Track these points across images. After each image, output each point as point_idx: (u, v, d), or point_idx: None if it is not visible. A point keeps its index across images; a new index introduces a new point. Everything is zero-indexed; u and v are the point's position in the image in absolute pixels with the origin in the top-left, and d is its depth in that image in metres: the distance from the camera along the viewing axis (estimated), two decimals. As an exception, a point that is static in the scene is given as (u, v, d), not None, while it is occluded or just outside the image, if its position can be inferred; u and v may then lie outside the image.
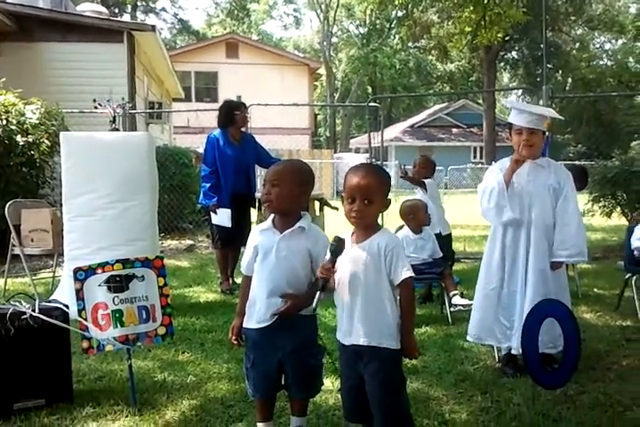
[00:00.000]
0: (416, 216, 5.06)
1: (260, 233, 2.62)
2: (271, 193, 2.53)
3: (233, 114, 6.03)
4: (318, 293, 2.31)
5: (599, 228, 10.51)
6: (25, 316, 3.05)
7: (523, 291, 3.55)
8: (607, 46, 44.72)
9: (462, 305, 4.72)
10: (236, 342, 2.64)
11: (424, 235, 5.08)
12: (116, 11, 39.31)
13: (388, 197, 2.40)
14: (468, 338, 3.82)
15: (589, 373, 3.60)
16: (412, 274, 2.32)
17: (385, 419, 2.30)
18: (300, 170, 2.63)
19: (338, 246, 2.32)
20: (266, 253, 2.56)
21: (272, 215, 2.63)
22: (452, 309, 4.80)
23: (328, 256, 2.33)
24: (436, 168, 6.08)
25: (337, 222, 5.67)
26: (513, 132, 3.57)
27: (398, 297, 2.35)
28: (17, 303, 3.12)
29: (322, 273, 2.31)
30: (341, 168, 24.42)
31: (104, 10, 14.14)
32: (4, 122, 7.43)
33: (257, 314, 2.56)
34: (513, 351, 3.61)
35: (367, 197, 2.31)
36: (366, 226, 2.38)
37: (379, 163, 9.78)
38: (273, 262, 2.53)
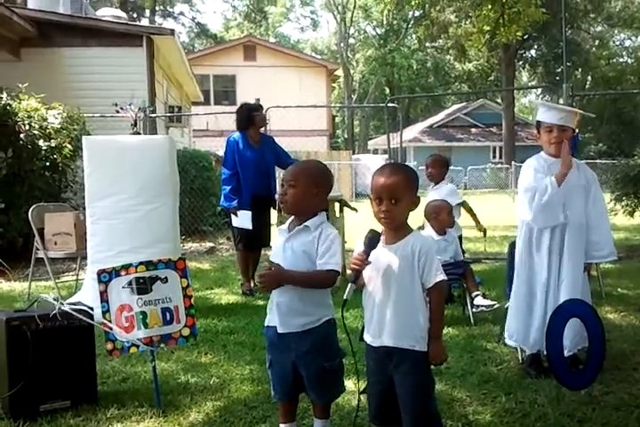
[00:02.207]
0: (439, 217, 5.01)
1: (279, 233, 2.65)
2: (287, 193, 2.54)
3: (252, 115, 6.07)
4: (350, 284, 2.29)
5: (622, 227, 10.39)
6: (52, 314, 3.07)
7: (550, 291, 3.50)
8: (627, 43, 44.34)
9: (485, 306, 4.69)
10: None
11: (447, 237, 5.03)
12: (135, 15, 39.67)
13: (417, 195, 2.37)
14: (508, 342, 3.76)
15: (614, 373, 3.55)
16: (445, 277, 2.31)
17: (415, 420, 2.29)
18: (316, 170, 2.61)
19: (373, 239, 2.27)
20: (277, 252, 2.58)
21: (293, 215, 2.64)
22: (474, 309, 4.76)
23: (361, 248, 2.28)
24: (456, 168, 5.97)
25: (357, 223, 5.69)
26: (542, 131, 3.48)
27: (427, 299, 2.33)
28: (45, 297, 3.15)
29: (354, 264, 2.27)
30: (360, 170, 24.42)
31: (123, 15, 14.29)
32: (27, 127, 7.51)
33: (271, 313, 2.59)
34: (533, 351, 3.58)
35: (394, 197, 2.29)
36: (397, 226, 2.35)
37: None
38: (280, 262, 2.52)
